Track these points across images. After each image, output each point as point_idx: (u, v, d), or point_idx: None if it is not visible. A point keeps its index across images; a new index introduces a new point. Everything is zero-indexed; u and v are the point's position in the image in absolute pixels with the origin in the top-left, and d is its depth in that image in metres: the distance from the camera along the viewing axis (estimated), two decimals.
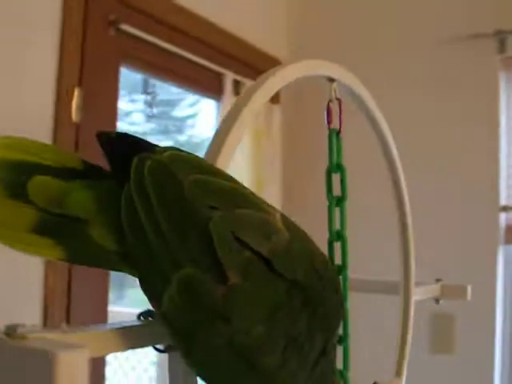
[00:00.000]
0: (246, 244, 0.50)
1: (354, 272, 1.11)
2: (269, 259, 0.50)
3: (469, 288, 1.19)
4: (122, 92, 3.06)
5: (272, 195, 2.36)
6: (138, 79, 2.80)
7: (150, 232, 0.50)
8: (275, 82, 0.75)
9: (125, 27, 1.74)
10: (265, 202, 0.57)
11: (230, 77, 2.20)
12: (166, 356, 0.58)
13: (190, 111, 3.40)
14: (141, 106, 3.01)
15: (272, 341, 0.49)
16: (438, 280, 1.24)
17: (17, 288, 1.39)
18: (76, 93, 1.57)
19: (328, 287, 0.55)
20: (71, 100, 1.56)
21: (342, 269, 0.85)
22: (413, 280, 1.07)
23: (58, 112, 1.52)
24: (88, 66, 1.62)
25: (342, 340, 0.84)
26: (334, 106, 0.87)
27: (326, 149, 0.86)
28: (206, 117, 2.88)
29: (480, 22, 2.18)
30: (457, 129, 2.21)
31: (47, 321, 1.46)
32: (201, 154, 0.63)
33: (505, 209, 2.19)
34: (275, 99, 2.45)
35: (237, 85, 2.23)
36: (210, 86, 2.19)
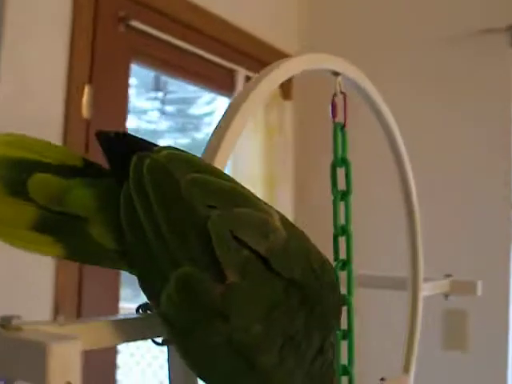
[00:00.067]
0: (244, 243, 0.50)
1: (363, 267, 1.11)
2: (266, 258, 0.50)
3: (478, 283, 1.18)
4: (139, 90, 3.08)
5: (284, 192, 2.35)
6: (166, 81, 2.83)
7: (149, 231, 0.51)
8: (279, 74, 0.75)
9: (135, 24, 1.74)
10: (263, 202, 0.57)
11: (242, 73, 2.19)
12: None
13: (206, 109, 3.41)
14: (158, 104, 3.03)
15: (270, 339, 0.49)
16: (447, 276, 1.23)
17: (28, 286, 1.40)
18: (86, 90, 1.57)
19: (326, 286, 0.54)
20: (81, 97, 1.56)
21: (346, 263, 0.84)
22: (421, 275, 1.07)
23: (69, 109, 1.52)
24: (98, 63, 1.62)
25: (347, 335, 0.83)
26: (339, 100, 0.87)
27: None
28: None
29: (492, 17, 2.16)
30: (468, 124, 2.19)
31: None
32: None
33: None
34: (287, 95, 2.45)
35: (247, 81, 2.23)
36: (222, 83, 2.19)
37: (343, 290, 0.84)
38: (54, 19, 1.51)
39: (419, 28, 2.31)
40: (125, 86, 1.76)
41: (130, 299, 2.83)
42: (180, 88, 2.93)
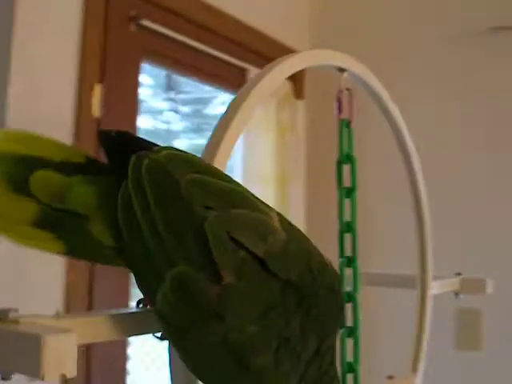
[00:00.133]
0: (241, 244, 0.50)
1: (372, 265, 1.10)
2: (264, 259, 0.50)
3: (489, 282, 1.17)
4: (156, 91, 3.09)
5: (296, 190, 2.35)
6: (177, 80, 2.83)
7: (146, 230, 0.51)
8: (283, 70, 0.75)
9: (146, 23, 1.75)
10: (263, 203, 0.57)
11: (253, 72, 2.19)
12: None
13: (222, 109, 3.40)
14: (172, 104, 3.04)
15: (265, 340, 0.49)
16: (457, 274, 1.22)
17: (38, 285, 1.41)
18: (97, 89, 1.58)
19: (324, 288, 0.54)
20: (92, 96, 1.57)
21: (352, 260, 0.84)
22: (430, 273, 1.06)
23: (79, 108, 1.53)
24: (109, 62, 1.63)
25: (352, 332, 0.83)
26: (345, 97, 0.86)
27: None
28: None
29: (504, 15, 2.13)
30: (479, 122, 2.17)
31: None
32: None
33: None
34: (299, 95, 2.44)
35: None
36: (234, 81, 2.19)
37: (349, 287, 0.84)
38: (64, 18, 1.52)
39: (431, 26, 2.29)
40: (135, 86, 1.76)
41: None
42: (195, 88, 2.94)
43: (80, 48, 1.55)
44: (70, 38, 1.53)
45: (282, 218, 0.56)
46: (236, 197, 0.54)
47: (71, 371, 0.42)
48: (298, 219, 2.33)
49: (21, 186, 0.52)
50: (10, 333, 0.44)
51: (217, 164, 0.62)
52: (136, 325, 0.54)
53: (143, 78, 2.88)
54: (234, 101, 0.69)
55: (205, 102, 3.24)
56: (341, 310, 0.57)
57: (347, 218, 0.85)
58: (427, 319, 1.06)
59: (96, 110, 1.57)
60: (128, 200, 0.52)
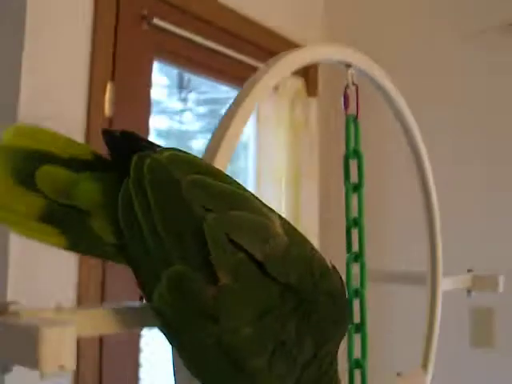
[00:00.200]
0: (240, 246, 0.50)
1: (381, 262, 1.10)
2: (263, 263, 0.50)
3: (500, 278, 1.16)
4: (171, 91, 3.10)
5: (309, 187, 2.35)
6: (190, 79, 2.82)
7: (146, 229, 0.51)
8: (287, 65, 0.75)
9: (157, 22, 1.75)
10: (266, 206, 0.57)
11: None
12: None
13: None
14: (190, 104, 3.04)
15: (260, 343, 0.49)
16: (469, 270, 1.20)
17: (50, 283, 1.42)
18: (108, 87, 1.59)
19: (326, 294, 0.54)
20: (104, 95, 1.58)
21: (359, 256, 0.84)
22: (440, 270, 1.05)
23: (91, 107, 1.54)
24: (121, 61, 1.64)
25: (360, 328, 0.82)
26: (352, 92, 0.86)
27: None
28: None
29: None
30: (488, 116, 2.14)
31: None
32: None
33: None
34: (312, 92, 2.44)
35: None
36: (246, 80, 2.19)
37: (356, 283, 0.83)
38: (76, 17, 1.53)
39: (448, 23, 2.27)
40: (148, 84, 1.77)
41: None
42: (212, 88, 2.94)
43: (92, 47, 1.56)
44: (81, 36, 1.54)
45: (285, 222, 0.56)
46: (236, 199, 0.54)
47: (69, 363, 0.42)
48: (311, 216, 2.33)
49: (28, 181, 0.52)
50: (9, 325, 0.44)
51: (217, 163, 0.62)
52: (136, 319, 0.54)
53: (160, 79, 2.88)
54: (239, 94, 0.69)
55: (221, 102, 3.24)
56: (344, 316, 0.56)
57: (354, 213, 0.85)
58: (437, 316, 1.05)
59: (108, 108, 1.58)
60: (129, 199, 0.52)
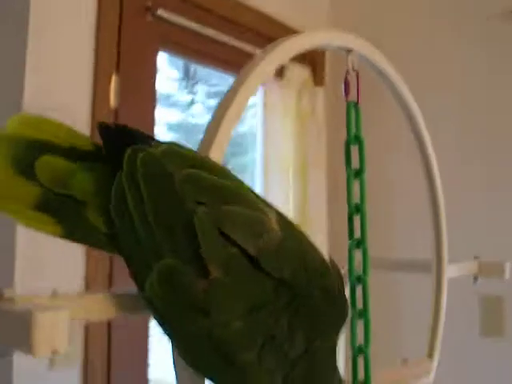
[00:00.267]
0: (232, 241, 0.50)
1: (388, 250, 1.10)
2: (256, 257, 0.50)
3: (507, 265, 1.15)
4: (182, 83, 3.09)
5: (316, 177, 2.34)
6: (196, 70, 2.82)
7: (137, 220, 0.51)
8: (284, 51, 0.74)
9: (162, 13, 1.75)
10: (262, 201, 0.57)
11: None
12: None
13: (249, 101, 3.38)
14: (201, 97, 3.03)
15: (250, 337, 0.49)
16: (475, 257, 1.20)
17: (57, 276, 1.42)
18: (113, 79, 1.59)
19: (321, 289, 0.54)
20: (109, 87, 1.58)
21: (361, 242, 0.83)
22: (445, 257, 1.04)
23: (96, 99, 1.54)
24: (125, 53, 1.64)
25: (363, 315, 0.82)
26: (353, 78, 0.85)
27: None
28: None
29: None
30: (495, 103, 2.12)
31: None
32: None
33: None
34: (319, 82, 2.43)
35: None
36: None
37: (359, 270, 0.83)
38: (80, 10, 1.53)
39: (459, 9, 2.24)
40: (152, 76, 1.77)
41: None
42: (222, 81, 2.93)
43: (96, 39, 1.56)
44: (85, 28, 1.54)
45: (281, 217, 0.56)
46: (230, 193, 0.54)
47: (63, 347, 0.42)
48: (319, 205, 2.32)
49: (27, 170, 0.53)
50: (4, 311, 0.44)
51: (212, 155, 0.62)
52: (131, 305, 0.54)
53: (170, 72, 2.88)
54: (235, 81, 0.68)
55: None
56: (340, 311, 0.56)
57: (356, 199, 0.84)
58: (443, 303, 1.04)
59: (113, 100, 1.58)
60: (122, 192, 0.53)
